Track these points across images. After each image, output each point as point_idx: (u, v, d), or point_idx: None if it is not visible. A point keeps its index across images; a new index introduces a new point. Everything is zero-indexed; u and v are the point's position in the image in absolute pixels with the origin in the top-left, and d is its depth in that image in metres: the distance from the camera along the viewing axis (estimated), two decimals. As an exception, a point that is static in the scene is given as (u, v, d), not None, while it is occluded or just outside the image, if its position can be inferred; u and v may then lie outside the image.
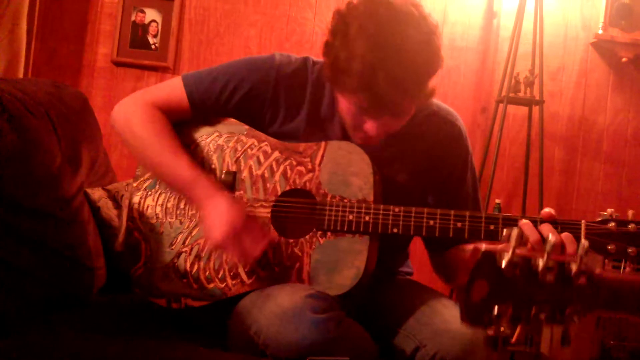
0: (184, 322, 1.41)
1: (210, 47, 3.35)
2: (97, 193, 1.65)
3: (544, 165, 3.20)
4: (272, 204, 1.41)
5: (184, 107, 1.47)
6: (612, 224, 1.26)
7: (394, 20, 1.25)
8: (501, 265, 0.72)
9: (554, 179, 3.45)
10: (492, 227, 1.30)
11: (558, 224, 1.27)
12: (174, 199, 1.47)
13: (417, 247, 1.61)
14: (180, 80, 1.48)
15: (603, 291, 0.73)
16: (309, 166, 1.40)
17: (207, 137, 1.48)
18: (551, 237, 1.22)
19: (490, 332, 0.71)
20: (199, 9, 3.35)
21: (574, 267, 0.72)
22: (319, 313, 1.18)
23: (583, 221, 1.27)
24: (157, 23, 3.30)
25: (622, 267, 2.68)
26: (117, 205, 1.67)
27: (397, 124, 1.36)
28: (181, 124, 1.48)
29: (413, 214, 1.33)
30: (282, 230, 1.39)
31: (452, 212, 1.32)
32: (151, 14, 3.30)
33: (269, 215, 1.40)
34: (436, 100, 1.47)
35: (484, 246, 0.74)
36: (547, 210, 1.29)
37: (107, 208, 1.64)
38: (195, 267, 1.41)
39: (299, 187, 1.40)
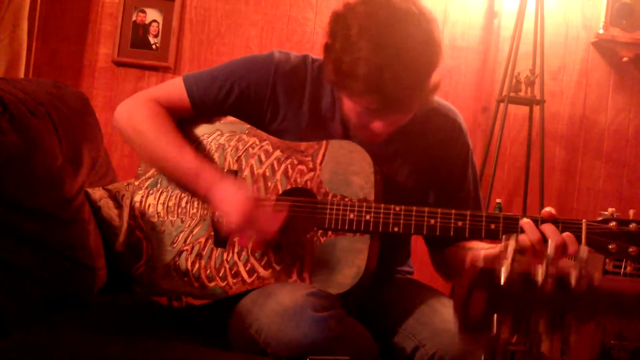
0: (184, 320, 1.41)
1: (211, 47, 3.35)
2: (97, 193, 1.65)
3: (544, 164, 3.20)
4: (273, 203, 1.41)
5: (185, 106, 1.47)
6: (613, 224, 1.26)
7: (395, 20, 1.25)
8: (500, 281, 0.71)
9: (554, 178, 3.45)
10: (493, 226, 1.30)
11: (559, 223, 1.27)
12: (176, 197, 1.47)
13: (418, 247, 1.61)
14: (180, 80, 1.49)
15: (602, 298, 0.73)
16: (310, 165, 1.40)
17: (209, 136, 1.48)
18: (552, 239, 1.23)
19: (490, 339, 0.71)
20: (199, 8, 3.35)
21: (573, 275, 0.71)
22: (320, 311, 1.18)
23: (584, 220, 1.27)
24: (158, 23, 3.30)
25: (622, 267, 2.68)
26: (118, 205, 1.67)
27: (404, 119, 1.36)
28: (182, 123, 1.48)
29: (414, 213, 1.33)
30: (284, 229, 1.39)
31: (453, 211, 1.32)
32: (152, 14, 3.30)
33: (269, 214, 1.40)
34: (436, 97, 1.47)
35: (481, 260, 0.73)
36: (547, 209, 1.29)
37: (108, 208, 1.64)
38: (197, 265, 1.41)
39: (300, 186, 1.40)
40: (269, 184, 1.42)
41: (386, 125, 1.34)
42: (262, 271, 1.37)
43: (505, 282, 0.71)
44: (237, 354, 1.26)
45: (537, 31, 3.18)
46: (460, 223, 1.31)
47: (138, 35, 3.29)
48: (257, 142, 1.45)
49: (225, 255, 1.40)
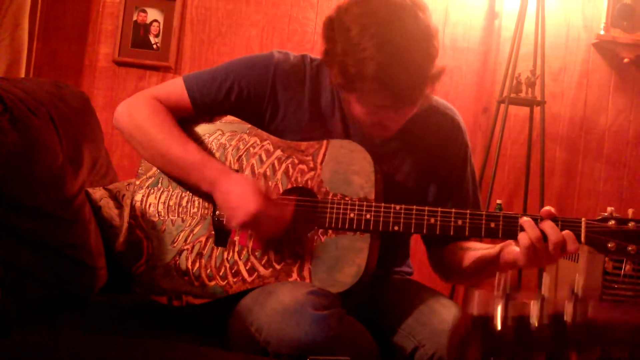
0: (184, 320, 1.41)
1: (212, 47, 3.35)
2: (98, 192, 1.65)
3: (545, 165, 3.20)
4: (272, 192, 1.41)
5: (185, 106, 1.47)
6: (612, 222, 1.26)
7: (392, 15, 1.26)
8: (495, 327, 0.69)
9: (555, 179, 3.45)
10: (492, 224, 1.30)
11: (559, 222, 1.27)
12: (176, 197, 1.47)
13: (418, 247, 1.61)
14: (181, 80, 1.49)
15: (598, 332, 0.71)
16: (311, 164, 1.40)
17: (210, 136, 1.48)
18: (551, 236, 1.23)
19: None
20: (200, 8, 3.35)
21: (568, 311, 0.69)
22: (321, 310, 1.18)
23: (583, 219, 1.28)
24: (159, 23, 3.30)
25: (623, 267, 2.68)
26: (118, 205, 1.67)
27: (413, 111, 1.37)
28: (183, 123, 1.48)
29: (414, 212, 1.33)
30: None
31: (453, 209, 1.32)
32: (153, 14, 3.30)
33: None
34: (435, 97, 1.48)
35: (474, 312, 0.71)
36: (547, 208, 1.30)
37: (108, 207, 1.64)
38: (197, 264, 1.41)
39: (300, 185, 1.40)
40: (270, 183, 1.42)
41: (398, 120, 1.36)
42: (262, 270, 1.37)
43: (500, 329, 0.69)
44: (238, 354, 1.26)
45: (537, 32, 3.18)
46: (460, 222, 1.31)
47: (139, 35, 3.29)
48: (258, 142, 1.45)
49: (225, 254, 1.40)
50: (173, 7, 3.30)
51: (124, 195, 1.68)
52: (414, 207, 1.33)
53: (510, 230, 1.29)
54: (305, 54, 1.51)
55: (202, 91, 1.46)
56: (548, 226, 1.25)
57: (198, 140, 1.48)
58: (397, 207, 1.33)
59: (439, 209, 1.33)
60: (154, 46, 3.30)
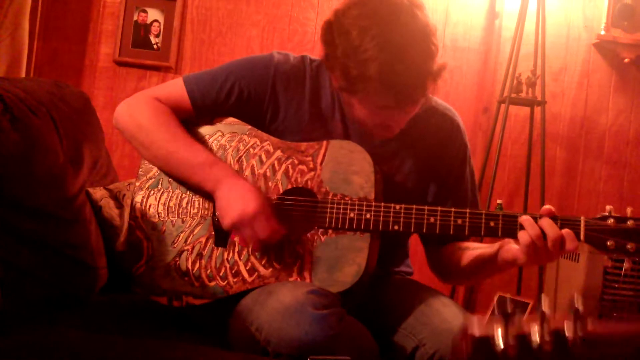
0: (184, 320, 1.41)
1: (212, 47, 3.35)
2: (98, 192, 1.65)
3: (545, 165, 3.20)
4: (274, 202, 1.41)
5: (185, 107, 1.47)
6: (611, 221, 1.26)
7: (391, 15, 1.27)
8: (497, 349, 0.69)
9: (555, 179, 3.44)
10: (492, 223, 1.30)
11: (558, 220, 1.27)
12: (176, 198, 1.47)
13: (418, 248, 1.61)
14: (181, 81, 1.49)
15: (599, 348, 0.71)
16: (311, 165, 1.40)
17: (210, 137, 1.48)
18: (550, 233, 1.23)
19: None
20: (201, 8, 3.35)
21: (568, 326, 0.69)
22: (321, 309, 1.19)
23: (582, 218, 1.28)
24: (159, 23, 3.30)
25: (623, 267, 2.68)
26: (119, 205, 1.67)
27: (416, 109, 1.38)
28: (183, 124, 1.48)
29: (414, 212, 1.33)
30: (284, 228, 1.39)
31: (453, 209, 1.32)
32: (153, 14, 3.30)
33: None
34: (435, 97, 1.48)
35: (476, 331, 0.71)
36: (547, 207, 1.30)
37: (109, 207, 1.64)
38: (197, 265, 1.41)
39: (300, 185, 1.40)
40: (270, 183, 1.42)
41: (400, 120, 1.37)
42: (262, 270, 1.37)
43: (502, 350, 0.68)
44: (238, 353, 1.26)
45: (538, 32, 3.18)
46: (459, 221, 1.31)
47: (139, 35, 3.29)
48: (258, 143, 1.45)
49: (225, 254, 1.40)
50: (173, 7, 3.30)
51: (124, 195, 1.68)
52: (414, 206, 1.33)
53: (510, 229, 1.29)
54: (305, 54, 1.51)
55: (203, 92, 1.46)
56: (546, 223, 1.25)
57: (199, 142, 1.48)
58: (397, 206, 1.34)
59: (439, 208, 1.33)
60: (155, 46, 3.31)
